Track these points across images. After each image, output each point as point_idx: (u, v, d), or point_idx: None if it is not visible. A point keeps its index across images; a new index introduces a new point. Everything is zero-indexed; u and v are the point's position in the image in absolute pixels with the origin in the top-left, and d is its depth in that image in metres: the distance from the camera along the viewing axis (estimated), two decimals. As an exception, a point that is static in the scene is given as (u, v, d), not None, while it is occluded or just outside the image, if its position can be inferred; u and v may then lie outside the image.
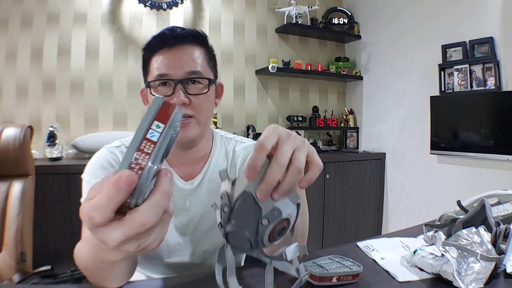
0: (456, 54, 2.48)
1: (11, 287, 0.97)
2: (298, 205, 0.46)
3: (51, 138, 2.18)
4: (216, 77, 0.87)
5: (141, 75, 0.86)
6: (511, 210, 0.88)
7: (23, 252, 1.21)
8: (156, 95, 0.35)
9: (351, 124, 3.31)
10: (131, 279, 0.65)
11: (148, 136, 0.31)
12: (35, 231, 1.32)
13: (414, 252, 0.74)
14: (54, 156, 2.17)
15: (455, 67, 2.47)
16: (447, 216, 0.83)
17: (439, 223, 0.83)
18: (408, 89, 2.87)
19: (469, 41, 2.40)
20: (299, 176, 0.42)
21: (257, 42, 3.03)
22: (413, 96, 2.83)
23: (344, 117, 3.35)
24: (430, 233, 0.79)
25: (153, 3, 2.55)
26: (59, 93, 2.34)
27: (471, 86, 2.39)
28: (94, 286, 0.61)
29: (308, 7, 3.01)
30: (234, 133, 1.13)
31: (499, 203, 0.91)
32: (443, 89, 2.57)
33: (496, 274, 0.65)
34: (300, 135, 0.53)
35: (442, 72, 2.57)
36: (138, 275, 0.86)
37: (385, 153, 3.06)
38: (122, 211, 0.32)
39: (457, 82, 2.47)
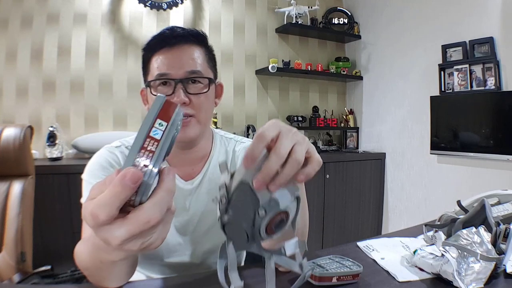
0: (456, 54, 2.48)
1: (11, 287, 0.97)
2: (298, 199, 0.45)
3: (51, 138, 2.18)
4: (216, 77, 0.87)
5: (141, 75, 0.87)
6: (511, 210, 0.88)
7: (23, 252, 1.21)
8: (158, 94, 0.35)
9: (351, 124, 3.31)
10: (131, 279, 0.65)
11: (151, 134, 0.32)
12: (35, 231, 1.32)
13: (414, 252, 0.74)
14: (54, 156, 2.17)
15: (455, 67, 2.47)
16: (447, 216, 0.83)
17: (439, 223, 0.83)
18: (408, 89, 2.87)
19: (469, 41, 2.40)
20: (297, 169, 0.42)
21: (257, 42, 3.03)
22: (413, 96, 2.83)
23: (344, 117, 3.35)
24: (430, 233, 0.80)
25: (153, 3, 2.55)
26: (59, 93, 2.34)
27: (471, 86, 2.39)
28: (94, 286, 0.61)
29: (308, 7, 3.01)
30: (234, 133, 1.13)
31: (499, 203, 0.91)
32: (443, 89, 2.57)
33: (496, 274, 0.65)
34: (300, 133, 0.53)
35: (442, 72, 2.57)
36: (138, 275, 0.86)
37: (385, 153, 3.06)
38: (124, 210, 0.32)
39: (457, 82, 2.47)
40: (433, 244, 0.73)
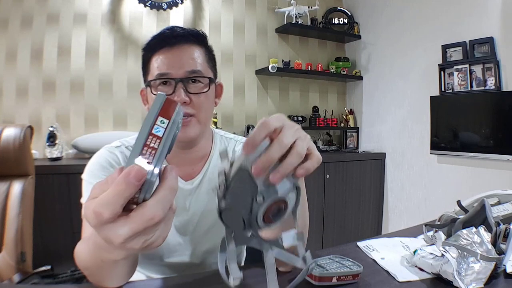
0: (456, 54, 2.48)
1: (11, 287, 0.97)
2: (297, 189, 0.45)
3: (51, 138, 2.18)
4: (216, 76, 0.87)
5: (141, 75, 0.87)
6: (511, 210, 0.88)
7: (23, 252, 1.21)
8: (159, 92, 0.35)
9: (351, 124, 3.31)
10: (131, 279, 0.65)
11: (153, 131, 0.32)
12: (35, 231, 1.32)
13: (414, 252, 0.74)
14: (54, 156, 2.17)
15: (455, 67, 2.47)
16: (447, 216, 0.83)
17: (439, 223, 0.83)
18: (408, 89, 2.87)
19: (469, 41, 2.40)
20: (298, 161, 0.42)
21: (257, 42, 3.03)
22: (413, 96, 2.83)
23: (344, 117, 3.35)
24: (430, 233, 0.80)
25: (153, 3, 2.55)
26: (59, 93, 2.34)
27: (471, 86, 2.39)
28: (94, 286, 0.61)
29: (308, 7, 3.01)
30: (234, 133, 1.13)
31: (499, 203, 0.91)
32: (443, 89, 2.57)
33: (496, 274, 0.65)
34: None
35: (442, 72, 2.57)
36: (138, 275, 0.86)
37: (385, 153, 3.06)
38: (126, 208, 0.33)
39: (457, 82, 2.47)
40: (433, 244, 0.73)
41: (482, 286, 0.61)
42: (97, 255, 0.47)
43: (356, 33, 3.28)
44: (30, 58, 2.26)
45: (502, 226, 0.68)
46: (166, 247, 0.83)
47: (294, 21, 2.99)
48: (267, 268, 0.47)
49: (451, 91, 2.52)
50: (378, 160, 3.05)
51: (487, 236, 0.66)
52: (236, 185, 0.42)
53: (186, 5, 2.71)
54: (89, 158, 0.82)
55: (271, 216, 0.42)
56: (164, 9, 2.61)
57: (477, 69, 2.36)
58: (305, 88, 3.26)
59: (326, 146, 3.23)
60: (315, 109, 3.21)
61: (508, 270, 0.67)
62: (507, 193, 0.92)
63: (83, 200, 0.75)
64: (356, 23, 3.30)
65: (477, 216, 0.74)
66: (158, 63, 0.79)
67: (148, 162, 0.32)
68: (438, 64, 2.58)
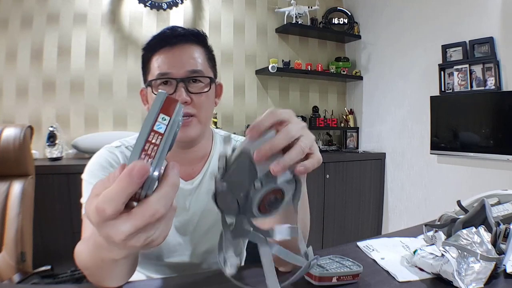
0: (456, 54, 2.48)
1: (11, 287, 0.97)
2: (297, 182, 0.45)
3: (51, 138, 2.18)
4: (215, 76, 0.87)
5: (141, 75, 0.87)
6: (511, 210, 0.88)
7: (23, 252, 1.21)
8: (159, 90, 0.35)
9: (351, 124, 3.31)
10: (131, 279, 0.65)
11: (155, 128, 0.32)
12: (35, 231, 1.32)
13: (414, 252, 0.74)
14: (54, 156, 2.17)
15: (455, 67, 2.47)
16: (447, 216, 0.83)
17: (439, 223, 0.83)
18: (408, 89, 2.87)
19: (469, 41, 2.40)
20: (300, 156, 0.42)
21: (257, 42, 3.03)
22: (413, 96, 2.83)
23: (344, 117, 3.35)
24: (430, 233, 0.80)
25: (153, 3, 2.55)
26: (59, 93, 2.34)
27: (471, 86, 2.39)
28: (94, 286, 0.61)
29: (308, 7, 3.01)
30: (234, 133, 1.13)
31: (499, 203, 0.91)
32: (443, 89, 2.57)
33: (496, 274, 0.65)
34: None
35: (442, 72, 2.57)
36: (138, 275, 0.86)
37: (385, 153, 3.06)
38: (128, 205, 0.33)
39: (457, 82, 2.47)
40: (433, 244, 0.73)
41: (482, 286, 0.61)
42: (97, 254, 0.47)
43: (356, 33, 3.28)
44: (30, 58, 2.26)
45: (502, 226, 0.68)
46: (166, 247, 0.83)
47: (294, 21, 2.98)
48: (263, 263, 0.47)
49: (451, 91, 2.52)
50: (378, 160, 3.05)
51: (487, 236, 0.66)
52: (235, 168, 0.42)
53: (186, 5, 2.71)
54: (89, 158, 0.82)
55: (267, 206, 0.42)
56: (164, 9, 2.61)
57: (477, 69, 2.36)
58: (305, 88, 3.26)
59: (326, 146, 3.23)
60: (315, 109, 3.21)
61: (508, 270, 0.67)
62: (507, 193, 0.92)
63: (83, 200, 0.75)
64: (356, 23, 3.30)
65: (477, 216, 0.74)
66: (158, 63, 0.79)
67: (150, 159, 0.32)
68: (438, 64, 2.58)
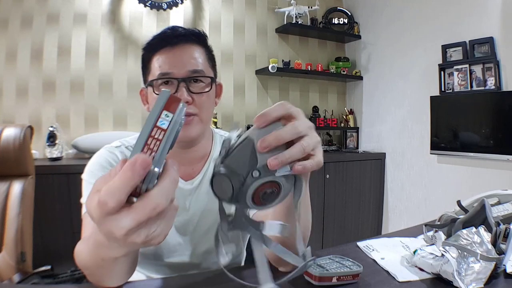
0: (456, 54, 2.48)
1: (11, 287, 0.97)
2: (297, 180, 0.44)
3: (51, 138, 2.18)
4: (215, 76, 0.87)
5: (141, 75, 0.87)
6: (511, 210, 0.88)
7: (23, 252, 1.21)
8: (163, 89, 0.36)
9: (351, 124, 3.31)
10: (131, 279, 0.65)
11: (158, 124, 0.33)
12: (35, 231, 1.32)
13: (414, 252, 0.74)
14: (54, 156, 2.17)
15: (455, 67, 2.47)
16: (447, 216, 0.83)
17: (439, 223, 0.83)
18: (408, 89, 2.87)
19: (469, 41, 2.40)
20: (301, 155, 0.42)
21: (257, 42, 3.03)
22: (413, 96, 2.83)
23: (344, 117, 3.35)
24: (430, 233, 0.79)
25: (153, 3, 2.55)
26: (59, 93, 2.34)
27: (471, 86, 2.39)
28: (94, 286, 0.61)
29: (308, 7, 3.01)
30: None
31: (499, 203, 0.91)
32: (443, 89, 2.57)
33: (496, 274, 0.65)
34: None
35: (442, 72, 2.57)
36: (138, 275, 0.86)
37: (385, 153, 3.06)
38: (129, 201, 0.33)
39: (457, 82, 2.47)
40: (433, 244, 0.73)
41: (482, 286, 0.61)
42: (97, 253, 0.47)
43: (356, 33, 3.28)
44: (30, 58, 2.26)
45: (502, 226, 0.68)
46: (166, 247, 0.83)
47: (294, 21, 2.98)
48: (256, 258, 0.46)
49: (451, 91, 2.52)
50: (378, 160, 3.05)
51: (487, 236, 0.66)
52: (237, 153, 0.42)
53: (186, 5, 2.71)
54: (89, 158, 0.82)
55: (261, 197, 0.42)
56: (164, 9, 2.61)
57: (477, 69, 2.36)
58: (305, 88, 3.26)
59: (326, 146, 3.23)
60: (315, 109, 3.20)
61: (508, 270, 0.67)
62: (507, 193, 0.92)
63: (83, 200, 0.75)
64: (356, 23, 3.30)
65: (477, 216, 0.74)
66: (159, 63, 0.79)
67: (152, 153, 0.33)
68: (438, 64, 2.58)
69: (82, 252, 0.56)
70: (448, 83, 2.55)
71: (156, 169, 0.33)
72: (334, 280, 0.63)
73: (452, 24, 2.52)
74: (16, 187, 1.28)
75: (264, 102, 3.06)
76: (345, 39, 3.37)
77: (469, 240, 0.65)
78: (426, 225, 0.84)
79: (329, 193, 2.77)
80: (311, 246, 0.50)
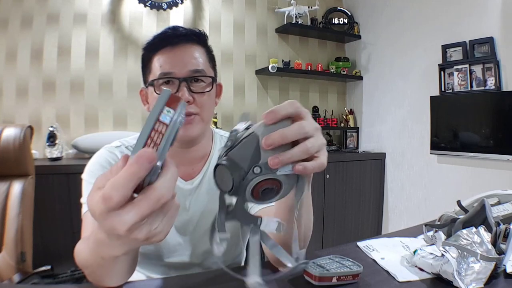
0: (456, 54, 2.48)
1: (11, 287, 0.97)
2: (299, 179, 0.44)
3: (51, 138, 2.18)
4: (216, 76, 0.87)
5: (141, 75, 0.87)
6: (511, 210, 0.88)
7: (23, 252, 1.21)
8: (164, 88, 0.36)
9: (351, 124, 3.31)
10: (131, 279, 0.65)
11: (160, 118, 0.34)
12: (35, 231, 1.32)
13: (414, 252, 0.74)
14: (54, 156, 2.17)
15: (455, 67, 2.47)
16: (447, 216, 0.83)
17: (439, 223, 0.83)
18: (408, 89, 2.87)
19: (469, 41, 2.40)
20: (304, 156, 0.42)
21: (257, 42, 3.03)
22: (413, 96, 2.83)
23: (344, 117, 3.35)
24: (430, 233, 0.79)
25: (153, 3, 2.55)
26: (59, 93, 2.34)
27: (471, 86, 2.39)
28: (94, 285, 0.61)
29: (308, 7, 3.01)
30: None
31: (499, 203, 0.91)
32: (443, 89, 2.57)
33: (496, 274, 0.65)
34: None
35: (442, 72, 2.57)
36: (138, 275, 0.86)
37: (385, 153, 3.06)
38: (131, 197, 0.33)
39: (457, 82, 2.47)
40: (433, 244, 0.73)
41: (482, 286, 0.61)
42: (97, 252, 0.47)
43: (356, 33, 3.28)
44: (30, 58, 2.26)
45: (502, 226, 0.68)
46: (166, 247, 0.83)
47: (294, 21, 2.98)
48: (249, 252, 0.46)
49: (451, 91, 2.52)
50: (378, 160, 3.05)
51: (487, 236, 0.66)
52: (241, 147, 0.42)
53: (186, 5, 2.71)
54: (89, 158, 0.82)
55: (261, 193, 0.42)
56: (164, 9, 2.61)
57: (477, 69, 2.36)
58: (305, 88, 3.26)
59: (326, 146, 3.22)
60: (315, 109, 3.20)
61: (508, 270, 0.67)
62: (507, 193, 0.92)
63: (83, 200, 0.75)
64: (356, 23, 3.30)
65: (477, 216, 0.74)
66: (160, 63, 0.79)
67: (155, 145, 0.33)
68: (438, 64, 2.58)
69: (82, 251, 0.56)
70: (448, 83, 2.55)
71: (159, 163, 0.33)
72: (334, 280, 0.63)
73: (452, 24, 2.52)
74: (16, 187, 1.28)
75: (264, 102, 3.06)
76: (345, 39, 3.37)
77: (469, 240, 0.65)
78: (426, 225, 0.84)
79: (329, 193, 2.77)
80: (311, 246, 0.50)
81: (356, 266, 0.66)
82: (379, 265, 0.73)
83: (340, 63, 3.27)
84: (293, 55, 3.18)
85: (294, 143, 0.42)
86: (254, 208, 0.76)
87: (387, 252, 0.80)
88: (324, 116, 3.22)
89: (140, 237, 0.34)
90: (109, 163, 0.79)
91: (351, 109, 3.38)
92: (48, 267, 1.11)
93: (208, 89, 0.81)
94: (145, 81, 0.85)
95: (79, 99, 2.40)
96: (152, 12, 2.61)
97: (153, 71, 0.80)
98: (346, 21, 3.26)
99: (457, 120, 2.48)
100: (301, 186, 0.45)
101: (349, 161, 2.90)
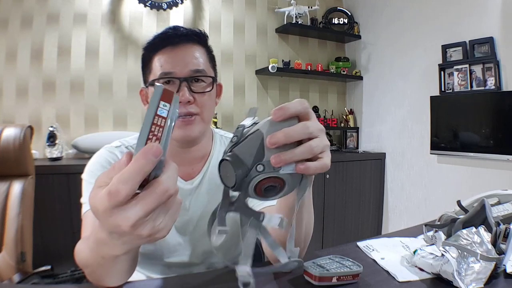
0: (456, 54, 2.48)
1: (11, 287, 0.97)
2: (302, 178, 0.45)
3: (51, 138, 2.18)
4: (216, 76, 0.87)
5: (141, 75, 0.87)
6: (511, 210, 0.88)
7: (23, 252, 1.21)
8: (156, 84, 0.37)
9: (351, 124, 3.31)
10: (131, 279, 0.65)
11: (158, 112, 0.35)
12: (35, 231, 1.32)
13: (414, 252, 0.74)
14: (54, 156, 2.17)
15: (455, 67, 2.47)
16: (447, 216, 0.82)
17: (439, 223, 0.83)
18: (408, 89, 2.87)
19: (469, 41, 2.40)
20: (306, 156, 0.42)
21: (257, 42, 3.03)
22: (413, 96, 2.83)
23: (344, 117, 3.35)
24: (430, 233, 0.79)
25: (153, 3, 2.55)
26: (59, 93, 2.34)
27: (471, 86, 2.39)
28: (94, 285, 0.61)
29: (308, 7, 3.01)
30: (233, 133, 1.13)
31: (499, 203, 0.91)
32: (443, 89, 2.57)
33: (496, 274, 0.65)
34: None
35: (442, 72, 2.57)
36: (138, 275, 0.86)
37: (385, 153, 3.06)
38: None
39: (457, 82, 2.47)
40: (433, 244, 0.73)
41: (482, 286, 0.61)
42: (97, 251, 0.47)
43: (356, 33, 3.28)
44: (30, 58, 2.26)
45: (502, 226, 0.68)
46: (166, 247, 0.83)
47: (294, 21, 2.98)
48: (243, 245, 0.46)
49: (451, 91, 2.52)
50: (378, 160, 3.05)
51: (487, 236, 0.66)
52: (246, 144, 0.43)
53: (186, 5, 2.71)
54: (89, 158, 0.82)
55: (263, 190, 0.42)
56: (164, 9, 2.61)
57: (477, 69, 2.36)
58: (305, 88, 3.26)
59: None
60: (315, 109, 3.20)
61: (508, 270, 0.67)
62: (507, 193, 0.92)
63: (83, 200, 0.75)
64: (356, 23, 3.30)
65: (477, 216, 0.74)
66: (161, 62, 0.79)
67: (157, 138, 0.34)
68: (438, 64, 2.58)
69: (83, 251, 0.56)
70: (448, 83, 2.55)
71: (163, 158, 0.34)
72: (334, 280, 0.63)
73: (452, 24, 2.52)
74: (16, 187, 1.28)
75: (264, 102, 3.06)
76: (345, 39, 3.37)
77: (469, 240, 0.65)
78: (426, 225, 0.84)
79: (329, 193, 2.77)
80: (311, 246, 0.50)
81: (356, 266, 0.66)
82: (379, 265, 0.73)
83: (340, 63, 3.27)
84: (293, 55, 3.18)
85: (299, 143, 0.42)
86: (256, 205, 0.76)
87: (387, 252, 0.80)
88: (324, 116, 3.22)
89: (144, 233, 0.34)
90: (109, 163, 0.79)
91: (351, 109, 3.38)
92: (48, 267, 1.11)
93: (208, 89, 0.81)
94: (145, 81, 0.85)
95: (79, 99, 2.40)
96: (152, 12, 2.61)
97: (153, 71, 0.80)
98: (346, 21, 3.26)
99: (457, 120, 2.48)
100: (304, 185, 0.45)
101: (349, 161, 2.90)
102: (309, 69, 3.05)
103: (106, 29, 2.46)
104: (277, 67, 2.80)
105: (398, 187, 2.96)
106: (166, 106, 0.35)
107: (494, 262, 0.63)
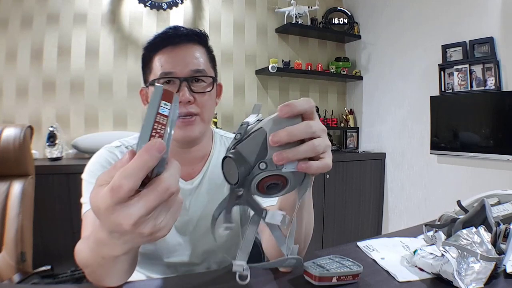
0: (456, 54, 2.48)
1: (11, 287, 0.97)
2: (305, 177, 0.45)
3: (51, 138, 2.18)
4: (216, 76, 0.87)
5: (141, 75, 0.87)
6: (511, 210, 0.88)
7: (23, 252, 1.21)
8: (156, 84, 0.37)
9: (351, 124, 3.31)
10: (131, 279, 0.65)
11: (160, 111, 0.35)
12: (35, 231, 1.32)
13: (414, 252, 0.74)
14: (54, 156, 2.17)
15: (455, 67, 2.47)
16: (447, 216, 0.82)
17: (439, 223, 0.83)
18: (408, 89, 2.87)
19: (469, 41, 2.40)
20: (308, 155, 0.42)
21: (257, 42, 3.03)
22: (413, 96, 2.83)
23: (344, 117, 3.35)
24: (430, 233, 0.79)
25: (153, 3, 2.55)
26: (59, 93, 2.34)
27: (471, 86, 2.39)
28: (94, 285, 0.61)
29: (308, 7, 3.01)
30: (234, 133, 1.13)
31: (499, 203, 0.91)
32: (443, 89, 2.57)
33: (496, 274, 0.65)
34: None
35: (442, 72, 2.57)
36: (138, 275, 0.86)
37: (385, 153, 3.06)
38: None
39: (457, 82, 2.47)
40: (433, 244, 0.73)
41: (482, 286, 0.61)
42: (97, 251, 0.47)
43: (356, 33, 3.28)
44: (30, 58, 2.26)
45: (502, 226, 0.68)
46: (166, 247, 0.83)
47: (294, 21, 2.98)
48: (246, 237, 0.47)
49: (451, 91, 2.52)
50: (378, 160, 3.05)
51: (487, 236, 0.66)
52: (249, 141, 0.43)
53: (186, 5, 2.71)
54: (89, 158, 0.82)
55: (266, 187, 0.42)
56: (164, 9, 2.61)
57: (477, 69, 2.36)
58: (305, 88, 3.26)
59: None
60: (315, 109, 3.20)
61: (508, 270, 0.67)
62: (507, 193, 0.92)
63: (83, 200, 0.75)
64: (356, 23, 3.30)
65: (477, 216, 0.74)
66: (161, 62, 0.79)
67: (160, 136, 0.34)
68: (438, 64, 2.58)
69: (83, 251, 0.56)
70: (448, 83, 2.55)
71: (165, 155, 0.34)
72: (334, 280, 0.63)
73: (452, 24, 2.52)
74: (16, 187, 1.28)
75: (264, 102, 3.06)
76: (345, 39, 3.37)
77: (469, 240, 0.65)
78: (426, 225, 0.84)
79: (329, 193, 2.77)
80: (311, 246, 0.50)
81: (356, 266, 0.66)
82: (379, 265, 0.73)
83: (340, 63, 3.27)
84: (293, 55, 3.18)
85: (301, 142, 0.42)
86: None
87: (387, 252, 0.80)
88: (324, 116, 3.22)
89: (145, 231, 0.34)
90: (109, 163, 0.79)
91: (351, 109, 3.38)
92: (48, 267, 1.11)
93: (208, 89, 0.81)
94: (145, 81, 0.85)
95: (79, 99, 2.40)
96: (152, 12, 2.61)
97: (154, 70, 0.80)
98: (346, 21, 3.26)
99: (457, 120, 2.48)
100: (306, 184, 0.46)
101: (349, 161, 2.90)
102: (309, 69, 3.05)
103: (106, 29, 2.46)
104: (277, 67, 2.80)
105: (398, 187, 2.96)
106: (167, 105, 0.35)
107: (494, 262, 0.63)
